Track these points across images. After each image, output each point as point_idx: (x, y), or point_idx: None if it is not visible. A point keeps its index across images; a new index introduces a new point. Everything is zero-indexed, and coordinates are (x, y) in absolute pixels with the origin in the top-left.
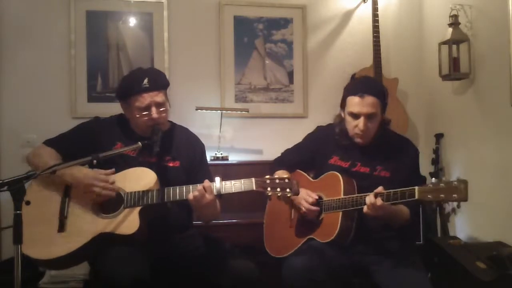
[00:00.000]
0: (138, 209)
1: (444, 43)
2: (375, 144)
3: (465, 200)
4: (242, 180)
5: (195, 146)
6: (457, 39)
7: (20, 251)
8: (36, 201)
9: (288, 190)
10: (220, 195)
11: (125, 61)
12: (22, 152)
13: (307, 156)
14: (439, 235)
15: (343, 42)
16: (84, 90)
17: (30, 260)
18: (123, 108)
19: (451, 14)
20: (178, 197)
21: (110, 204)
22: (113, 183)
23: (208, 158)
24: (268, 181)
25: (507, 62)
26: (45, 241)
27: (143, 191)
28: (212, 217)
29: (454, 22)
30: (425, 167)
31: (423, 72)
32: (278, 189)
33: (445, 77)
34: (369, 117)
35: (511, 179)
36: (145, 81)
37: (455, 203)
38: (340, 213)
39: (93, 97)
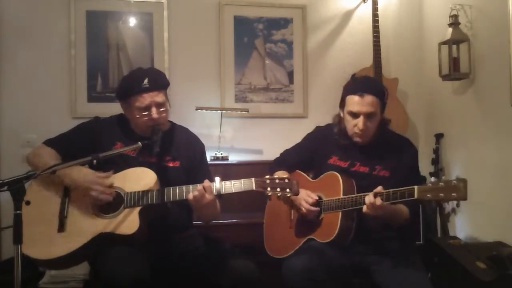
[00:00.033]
0: (138, 209)
1: (444, 43)
2: (374, 144)
3: (465, 199)
4: (242, 180)
5: (195, 146)
6: (457, 39)
7: (20, 251)
8: (36, 201)
9: (288, 190)
10: (220, 195)
11: (125, 61)
12: (22, 152)
13: (306, 157)
14: (439, 235)
15: (343, 42)
16: (84, 90)
17: (30, 260)
18: (123, 108)
19: (451, 14)
20: (178, 197)
21: (110, 204)
22: (111, 186)
23: (208, 158)
24: (268, 181)
25: (507, 62)
26: (45, 241)
27: (143, 191)
28: (212, 217)
29: (454, 22)
30: (425, 167)
31: (423, 72)
32: (278, 189)
33: (445, 77)
34: (368, 116)
35: (511, 179)
36: (145, 81)
37: (455, 203)
38: (340, 213)
39: (93, 97)
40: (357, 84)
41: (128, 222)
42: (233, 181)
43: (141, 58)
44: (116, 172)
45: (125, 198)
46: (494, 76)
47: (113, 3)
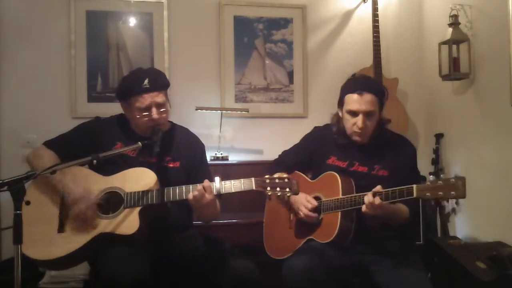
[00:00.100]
0: (138, 209)
1: (444, 43)
2: (372, 143)
3: (463, 197)
4: (242, 180)
5: (195, 146)
6: (457, 39)
7: (20, 251)
8: (36, 201)
9: (287, 189)
10: (219, 195)
11: (125, 61)
12: (22, 152)
13: (305, 157)
14: (439, 235)
15: (343, 42)
16: (84, 90)
17: (30, 260)
18: (123, 108)
19: (451, 14)
20: (178, 197)
21: (110, 204)
22: (93, 208)
23: (208, 158)
24: (267, 181)
25: (507, 62)
26: (45, 242)
27: (143, 191)
28: (212, 217)
29: (454, 22)
30: (425, 167)
31: (423, 72)
32: (278, 189)
33: (445, 77)
34: (367, 114)
35: (511, 179)
36: (146, 81)
37: (454, 202)
38: (339, 213)
39: (93, 97)
40: (356, 83)
41: (128, 222)
42: (233, 181)
43: (141, 58)
44: (116, 172)
45: (125, 198)
46: (494, 76)
47: (113, 3)
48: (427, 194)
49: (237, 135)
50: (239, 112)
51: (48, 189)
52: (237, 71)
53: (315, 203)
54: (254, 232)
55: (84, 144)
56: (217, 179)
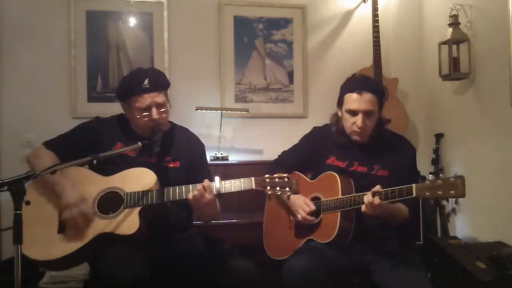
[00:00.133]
0: (138, 209)
1: (444, 43)
2: (372, 143)
3: (463, 196)
4: (242, 179)
5: (195, 146)
6: (457, 39)
7: (20, 251)
8: (36, 201)
9: (287, 189)
10: (219, 195)
11: (125, 61)
12: (22, 152)
13: (305, 157)
14: (439, 235)
15: (343, 42)
16: (84, 90)
17: (30, 261)
18: (123, 108)
19: (451, 14)
20: (177, 197)
21: (110, 204)
22: (85, 216)
23: (208, 158)
24: (267, 180)
25: (507, 62)
26: (45, 242)
27: (142, 191)
28: (212, 216)
29: (454, 22)
30: (425, 167)
31: (423, 72)
32: (278, 188)
33: (445, 77)
34: (367, 114)
35: (511, 179)
36: (146, 81)
37: (454, 202)
38: (339, 213)
39: (93, 97)
40: (356, 82)
41: (128, 222)
42: (232, 181)
43: (141, 58)
44: (116, 172)
45: (125, 198)
46: (494, 76)
47: (113, 3)
48: (427, 193)
49: (237, 135)
50: (239, 112)
51: (48, 189)
52: (237, 71)
53: (313, 207)
54: (254, 232)
55: (84, 144)
56: (217, 178)
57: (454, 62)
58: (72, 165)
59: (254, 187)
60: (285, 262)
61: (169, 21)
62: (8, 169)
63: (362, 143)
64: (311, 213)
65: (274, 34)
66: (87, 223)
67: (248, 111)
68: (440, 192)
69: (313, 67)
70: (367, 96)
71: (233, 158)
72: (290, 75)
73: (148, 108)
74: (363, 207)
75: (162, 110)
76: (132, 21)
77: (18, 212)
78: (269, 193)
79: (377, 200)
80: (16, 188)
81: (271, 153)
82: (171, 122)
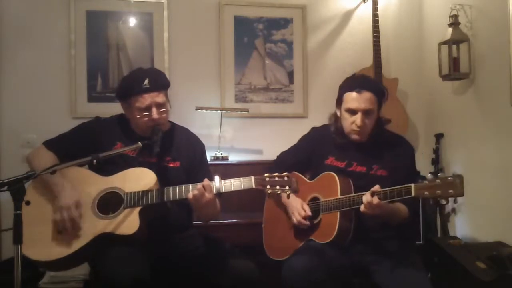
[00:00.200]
0: (138, 209)
1: (444, 43)
2: (371, 143)
3: (462, 195)
4: (242, 179)
5: (195, 146)
6: (457, 39)
7: (20, 251)
8: (36, 201)
9: (287, 187)
10: (219, 194)
11: (125, 61)
12: (22, 152)
13: (304, 157)
14: (439, 235)
15: (343, 42)
16: (84, 90)
17: (30, 261)
18: (123, 108)
19: (451, 14)
20: (177, 197)
21: (110, 204)
22: (75, 220)
23: (208, 158)
24: (267, 179)
25: (507, 62)
26: (45, 242)
27: (142, 191)
28: (212, 216)
29: (454, 22)
30: (425, 167)
31: (423, 72)
32: (277, 187)
33: (445, 77)
34: (366, 113)
35: (511, 179)
36: (146, 81)
37: (453, 201)
38: (338, 213)
39: (93, 97)
40: (355, 81)
41: (128, 222)
42: (232, 180)
43: (141, 58)
44: (116, 172)
45: (125, 198)
46: (494, 76)
47: (113, 3)
48: (425, 193)
49: (237, 135)
50: (239, 112)
51: (48, 189)
52: (237, 71)
53: (309, 212)
54: (254, 232)
55: (84, 144)
56: (216, 178)
57: (454, 62)
58: (72, 165)
59: (254, 186)
60: (285, 262)
61: (169, 21)
62: (8, 169)
63: (361, 142)
64: (307, 218)
65: (274, 34)
66: (76, 229)
67: (248, 111)
68: (439, 192)
69: (313, 67)
70: (367, 95)
71: (233, 158)
72: (290, 75)
73: (148, 108)
74: (362, 207)
75: (162, 110)
76: (132, 21)
77: (18, 212)
78: (269, 192)
79: (376, 200)
80: (16, 188)
81: (271, 153)
82: (171, 122)
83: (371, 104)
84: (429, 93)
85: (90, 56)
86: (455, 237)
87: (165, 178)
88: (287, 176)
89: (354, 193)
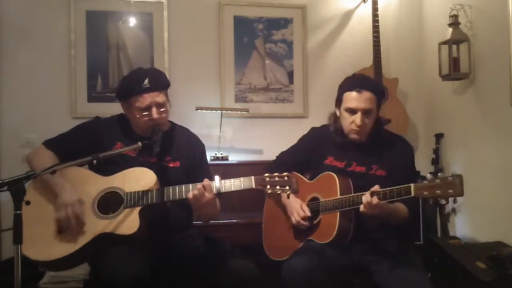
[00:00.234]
0: (138, 209)
1: (444, 43)
2: (370, 142)
3: (461, 195)
4: (242, 178)
5: (195, 146)
6: (457, 39)
7: (20, 251)
8: (36, 201)
9: (287, 187)
10: (219, 194)
11: (125, 61)
12: (22, 152)
13: (303, 158)
14: (439, 235)
15: (343, 42)
16: (84, 90)
17: (30, 261)
18: (123, 108)
19: (451, 14)
20: (177, 196)
21: (110, 204)
22: (79, 216)
23: (208, 158)
24: (267, 179)
25: (507, 62)
26: (45, 242)
27: (142, 191)
28: (212, 216)
29: (454, 22)
30: (425, 167)
31: (423, 72)
32: (278, 187)
33: (445, 77)
34: (366, 112)
35: (511, 179)
36: (146, 81)
37: (453, 201)
38: (338, 213)
39: (93, 97)
40: (355, 81)
41: (128, 222)
42: (232, 180)
43: (141, 58)
44: (116, 172)
45: (125, 198)
46: (494, 76)
47: (113, 3)
48: (425, 193)
49: (237, 135)
50: (239, 112)
51: (48, 189)
52: (237, 71)
53: (308, 213)
54: (254, 232)
55: (84, 144)
56: (217, 178)
57: (454, 62)
58: (72, 165)
59: (254, 186)
60: (285, 263)
61: (169, 21)
62: (8, 169)
63: (360, 142)
64: (306, 219)
65: (274, 34)
66: (80, 225)
67: (248, 111)
68: (438, 192)
69: (313, 67)
70: (366, 94)
71: (233, 158)
72: (290, 75)
73: (148, 108)
74: (361, 207)
75: (162, 110)
76: (132, 21)
77: (18, 212)
78: (269, 192)
79: (375, 200)
80: (16, 188)
81: (271, 153)
82: (171, 122)
83: (371, 104)
84: (429, 93)
85: (90, 56)
86: (455, 237)
87: (165, 178)
88: (287, 176)
89: (354, 193)
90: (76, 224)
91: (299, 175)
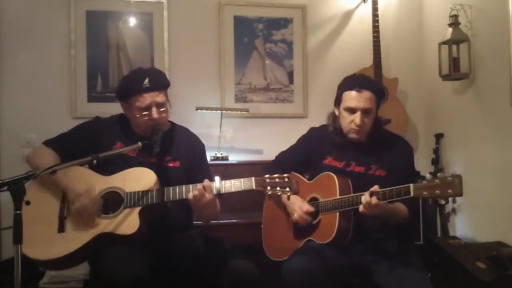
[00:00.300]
0: (138, 209)
1: (444, 43)
2: (369, 143)
3: (460, 195)
4: (242, 179)
5: (195, 146)
6: (457, 39)
7: (20, 251)
8: (36, 201)
9: (288, 189)
10: (220, 195)
11: (125, 61)
12: (22, 152)
13: (303, 158)
14: (439, 235)
15: (343, 42)
16: (84, 90)
17: (30, 260)
18: (123, 108)
19: (451, 14)
20: (177, 197)
21: (110, 204)
22: (96, 204)
23: (208, 158)
24: (267, 180)
25: (507, 62)
26: (45, 241)
27: (143, 191)
28: (212, 216)
29: (454, 22)
30: (425, 167)
31: (423, 72)
32: (278, 188)
33: (445, 77)
34: (365, 112)
35: (511, 179)
36: (146, 81)
37: (452, 201)
38: (337, 213)
39: (93, 97)
40: (354, 80)
41: (128, 222)
42: (233, 181)
43: (141, 58)
44: (116, 172)
45: (125, 198)
46: (494, 76)
47: (113, 3)
48: (424, 193)
49: (237, 135)
50: (239, 112)
51: (48, 189)
52: (237, 71)
53: (311, 208)
54: (254, 232)
55: (84, 144)
56: (217, 178)
57: (454, 62)
58: (72, 165)
59: (254, 187)
60: (285, 263)
61: (169, 21)
62: (8, 169)
63: (360, 142)
64: (310, 213)
65: (274, 34)
66: (96, 213)
67: (248, 111)
68: (437, 192)
69: (313, 67)
70: (366, 94)
71: (233, 158)
72: (290, 75)
73: (148, 108)
74: (360, 207)
75: (162, 109)
76: (132, 21)
77: (18, 212)
78: (269, 193)
79: (374, 200)
80: (16, 188)
81: (271, 153)
82: (171, 122)
83: (371, 103)
84: (429, 93)
85: (90, 56)
86: (455, 237)
87: (165, 178)
88: (288, 178)
89: (353, 193)
90: (94, 211)
91: (299, 175)
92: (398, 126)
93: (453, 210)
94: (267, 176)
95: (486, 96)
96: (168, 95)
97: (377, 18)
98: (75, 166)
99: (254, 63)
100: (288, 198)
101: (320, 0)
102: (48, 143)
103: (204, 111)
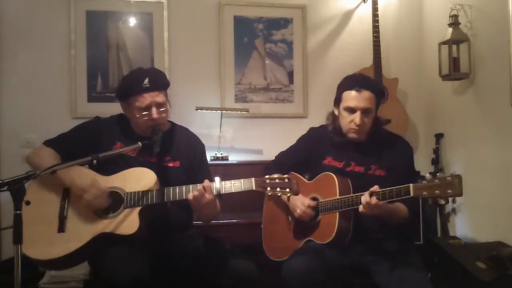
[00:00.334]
0: (138, 209)
1: (444, 43)
2: (368, 142)
3: (460, 194)
4: (242, 180)
5: (195, 146)
6: (457, 39)
7: (20, 251)
8: (36, 201)
9: (288, 189)
10: (220, 195)
11: (125, 61)
12: (22, 152)
13: (302, 158)
14: (439, 235)
15: (343, 42)
16: (84, 90)
17: (30, 260)
18: (123, 108)
19: (451, 14)
20: (178, 197)
21: (110, 204)
22: (109, 189)
23: (208, 158)
24: (267, 181)
25: (507, 62)
26: (45, 241)
27: (143, 191)
28: (212, 217)
29: (454, 22)
30: (425, 167)
31: (423, 72)
32: (278, 189)
33: (445, 77)
34: (365, 112)
35: (511, 179)
36: (146, 81)
37: (452, 201)
38: (337, 213)
39: (93, 97)
40: (354, 80)
41: (128, 222)
42: (233, 181)
43: (141, 58)
44: (116, 172)
45: (125, 198)
46: (494, 76)
47: (113, 3)
48: (424, 193)
49: (237, 135)
50: (239, 112)
51: (48, 189)
52: (237, 71)
53: (312, 203)
54: (254, 232)
55: (84, 144)
56: (217, 179)
57: (454, 62)
58: (72, 165)
59: (254, 188)
60: (285, 263)
61: (169, 21)
62: (8, 169)
63: (359, 142)
64: (312, 207)
65: (274, 34)
66: (106, 201)
67: (248, 111)
68: (437, 192)
69: (313, 67)
70: (366, 93)
71: (233, 158)
72: (290, 75)
73: (148, 108)
74: (360, 207)
75: (162, 109)
76: (132, 21)
77: (18, 212)
78: (269, 194)
79: (374, 200)
80: (16, 188)
81: (271, 153)
82: (171, 122)
83: (370, 103)
84: (429, 93)
85: (90, 56)
86: (455, 237)
87: (165, 178)
88: (288, 178)
89: (353, 193)
90: (104, 200)
91: (298, 175)
92: (398, 126)
93: (453, 210)
94: (267, 176)
95: (486, 96)
96: (168, 95)
97: (377, 18)
98: (76, 166)
99: (254, 63)
100: (288, 199)
101: (320, 0)
102: (48, 143)
103: (204, 111)
